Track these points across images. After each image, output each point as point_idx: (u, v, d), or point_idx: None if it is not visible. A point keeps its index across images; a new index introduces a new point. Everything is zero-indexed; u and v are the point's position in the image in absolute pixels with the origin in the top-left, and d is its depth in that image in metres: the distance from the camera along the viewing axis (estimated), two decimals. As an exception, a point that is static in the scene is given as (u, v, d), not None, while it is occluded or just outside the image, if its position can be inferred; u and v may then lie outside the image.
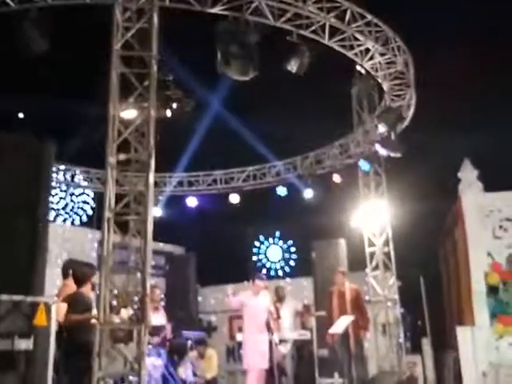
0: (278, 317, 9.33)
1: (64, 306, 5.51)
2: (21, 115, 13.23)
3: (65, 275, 6.20)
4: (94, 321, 5.41)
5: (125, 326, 5.44)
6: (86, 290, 5.78)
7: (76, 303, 5.53)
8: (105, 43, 6.05)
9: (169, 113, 7.70)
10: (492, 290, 8.09)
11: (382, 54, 9.55)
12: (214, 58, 7.53)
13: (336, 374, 8.59)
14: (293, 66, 8.58)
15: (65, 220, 13.68)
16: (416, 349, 10.77)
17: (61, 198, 13.54)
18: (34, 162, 5.44)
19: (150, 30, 6.04)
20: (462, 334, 7.86)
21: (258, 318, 7.53)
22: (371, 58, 9.64)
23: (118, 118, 5.84)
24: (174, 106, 7.55)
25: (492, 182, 8.85)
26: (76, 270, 5.93)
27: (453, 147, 11.14)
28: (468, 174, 8.87)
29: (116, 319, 5.56)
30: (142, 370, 5.04)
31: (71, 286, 5.88)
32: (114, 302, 5.64)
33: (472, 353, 7.67)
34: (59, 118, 11.84)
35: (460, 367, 7.76)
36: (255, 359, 7.38)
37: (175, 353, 9.18)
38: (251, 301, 7.65)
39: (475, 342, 7.70)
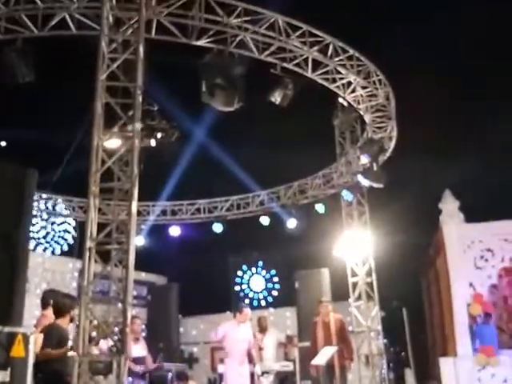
0: (260, 348, 9.24)
1: (41, 337, 5.39)
2: (3, 143, 13.16)
3: (44, 305, 6.06)
4: (71, 352, 5.29)
5: (104, 358, 5.35)
6: (63, 321, 5.63)
7: (50, 336, 5.37)
8: (90, 73, 6.10)
9: (153, 142, 7.74)
10: (474, 321, 8.12)
11: (363, 87, 9.73)
12: (198, 89, 7.62)
13: (319, 406, 8.48)
14: (277, 98, 8.71)
15: (45, 249, 13.50)
16: (399, 380, 10.72)
17: (41, 227, 13.38)
18: (15, 189, 5.40)
19: (135, 61, 6.10)
20: (445, 364, 7.87)
21: (239, 349, 7.46)
22: (353, 91, 9.83)
23: (102, 147, 5.85)
24: (159, 135, 7.59)
25: (473, 213, 8.97)
26: (57, 301, 5.78)
27: (434, 177, 11.32)
28: (449, 205, 8.99)
29: (95, 350, 5.46)
30: (122, 404, 4.94)
31: (49, 317, 5.74)
32: (94, 333, 5.55)
33: (455, 383, 7.66)
34: (42, 147, 11.80)
35: (443, 399, 7.74)
36: None
37: (155, 385, 9.00)
38: (233, 331, 7.59)
39: (458, 372, 7.71)
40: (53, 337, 5.37)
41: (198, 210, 13.78)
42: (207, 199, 13.78)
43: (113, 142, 6.16)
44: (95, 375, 5.19)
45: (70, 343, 5.58)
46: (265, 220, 12.95)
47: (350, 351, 8.29)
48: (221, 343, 7.70)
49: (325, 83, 9.47)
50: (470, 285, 8.30)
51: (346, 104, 10.38)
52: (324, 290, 10.70)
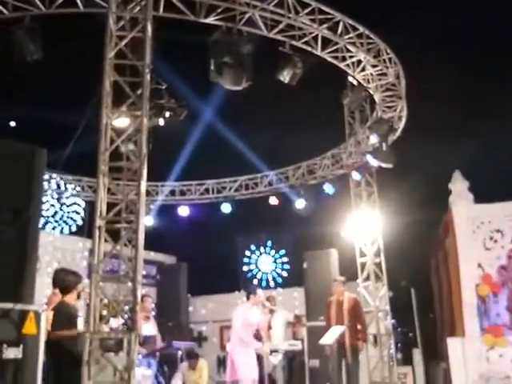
0: (269, 327, 9.31)
1: (52, 315, 5.47)
2: (12, 124, 13.19)
3: (54, 283, 6.15)
4: (80, 327, 5.36)
5: (115, 335, 5.41)
6: (71, 298, 5.71)
7: (60, 314, 5.45)
8: (98, 52, 6.06)
9: (161, 121, 7.71)
10: (482, 302, 8.12)
11: (373, 66, 9.62)
12: (207, 68, 7.57)
13: (327, 385, 8.56)
14: (285, 77, 8.63)
15: (54, 228, 13.60)
16: (407, 360, 10.77)
17: (51, 206, 13.46)
18: (25, 168, 5.40)
19: (143, 39, 6.05)
20: (453, 345, 7.87)
21: (250, 332, 7.51)
22: (363, 70, 9.72)
23: (111, 126, 5.83)
24: (167, 114, 7.56)
25: (482, 194, 8.91)
26: (63, 279, 5.86)
27: (444, 158, 11.25)
28: (458, 186, 8.92)
29: (105, 328, 5.52)
30: (132, 380, 5.00)
31: (59, 295, 5.83)
32: (104, 312, 5.60)
33: (462, 364, 7.68)
34: (51, 127, 11.82)
35: (450, 378, 7.77)
36: (248, 370, 7.35)
37: (165, 363, 9.12)
38: (247, 314, 7.62)
39: (466, 352, 7.71)
40: (62, 315, 5.44)
41: (207, 190, 13.81)
42: (216, 179, 13.79)
43: (121, 121, 6.15)
44: (106, 352, 5.25)
45: (79, 320, 5.65)
46: (273, 200, 12.95)
47: (363, 331, 8.31)
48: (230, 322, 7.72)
49: (334, 61, 9.38)
50: (479, 265, 8.28)
51: (355, 83, 10.27)
52: (332, 271, 10.72)
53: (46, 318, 5.43)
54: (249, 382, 7.34)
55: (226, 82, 7.59)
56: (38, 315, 5.04)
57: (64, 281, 5.77)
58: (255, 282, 15.37)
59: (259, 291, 7.87)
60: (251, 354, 7.44)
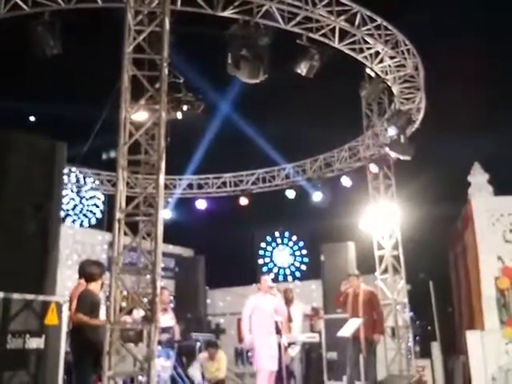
0: (290, 319, 9.33)
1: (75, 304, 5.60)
2: (32, 118, 13.36)
3: (80, 275, 6.29)
4: (102, 320, 5.46)
5: (135, 326, 5.48)
6: (95, 287, 5.85)
7: (84, 300, 5.60)
8: (116, 46, 6.11)
9: (179, 115, 7.75)
10: (502, 295, 8.05)
11: (391, 57, 9.55)
12: (224, 61, 7.58)
13: (344, 378, 8.57)
14: (302, 69, 8.62)
15: (74, 221, 13.77)
16: (425, 353, 10.72)
17: (71, 199, 13.63)
18: (45, 162, 5.49)
19: (161, 33, 6.08)
20: (472, 338, 7.83)
21: (265, 320, 7.52)
22: (381, 61, 9.65)
23: (129, 120, 5.89)
24: (185, 108, 7.61)
25: (502, 186, 8.82)
26: (89, 269, 6.02)
27: (463, 150, 11.12)
28: (478, 178, 8.85)
29: (128, 319, 5.60)
30: (152, 370, 5.07)
31: (84, 285, 5.96)
32: (124, 304, 5.69)
33: (482, 357, 7.63)
34: (71, 121, 11.95)
35: (469, 371, 7.73)
36: (265, 361, 7.39)
37: (184, 354, 9.21)
38: (258, 302, 7.64)
39: (485, 346, 7.66)
40: (86, 301, 5.57)
41: (224, 183, 13.86)
42: (233, 173, 13.83)
43: (140, 115, 6.20)
44: (126, 343, 5.33)
45: (102, 309, 5.76)
46: (291, 193, 12.95)
47: (379, 324, 8.31)
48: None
49: (352, 53, 9.33)
50: (499, 258, 8.20)
51: (373, 75, 10.20)
52: (350, 264, 10.71)
53: (70, 307, 5.55)
54: (266, 372, 7.37)
55: (243, 75, 7.60)
56: (59, 306, 5.14)
57: (90, 271, 5.93)
58: (272, 274, 15.40)
59: (264, 278, 7.89)
60: (270, 344, 7.42)
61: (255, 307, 7.63)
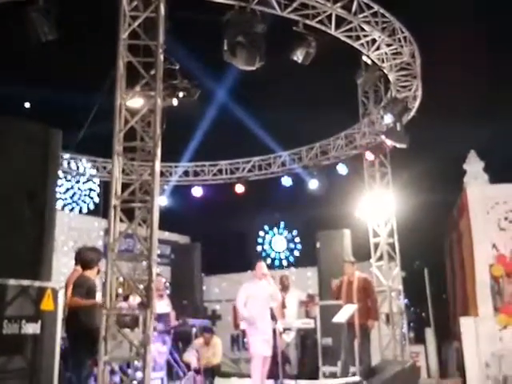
0: (284, 305, 9.39)
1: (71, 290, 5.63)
2: (27, 105, 13.29)
3: (77, 261, 6.31)
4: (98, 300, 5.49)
5: (131, 312, 5.52)
6: (91, 273, 5.88)
7: (80, 285, 5.64)
8: (112, 32, 6.07)
9: (175, 102, 7.72)
10: (496, 282, 8.11)
11: (388, 45, 9.51)
12: (220, 48, 7.54)
13: (339, 363, 8.66)
14: (299, 56, 8.57)
15: (72, 209, 13.78)
16: (419, 339, 10.84)
17: (67, 189, 13.62)
18: (40, 148, 5.48)
19: (156, 19, 6.05)
20: (466, 324, 7.91)
21: (259, 305, 7.55)
22: (377, 49, 9.61)
23: (125, 106, 5.87)
24: (181, 95, 7.57)
25: (497, 174, 8.86)
26: (86, 255, 6.04)
27: (459, 139, 11.15)
28: (474, 166, 8.89)
29: (125, 305, 5.63)
30: (148, 355, 5.11)
31: (80, 271, 5.99)
32: (120, 290, 5.72)
33: (475, 343, 7.71)
34: (66, 108, 11.90)
35: (463, 357, 7.81)
36: (258, 347, 7.44)
37: (180, 340, 9.26)
38: (252, 289, 7.67)
39: (478, 332, 7.74)
40: (82, 286, 5.61)
41: (220, 171, 13.85)
42: (229, 160, 13.82)
43: (135, 102, 6.19)
44: (122, 328, 5.36)
45: (98, 295, 5.79)
46: (287, 181, 12.97)
47: (373, 311, 8.38)
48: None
49: (348, 41, 9.27)
50: (493, 246, 8.25)
51: (369, 62, 10.17)
52: (345, 251, 10.76)
53: (66, 293, 5.58)
54: (259, 358, 7.40)
55: (239, 62, 7.56)
56: (55, 292, 5.16)
57: (86, 257, 5.97)
58: (268, 261, 15.47)
59: (258, 264, 7.91)
60: (264, 330, 7.45)
61: (249, 294, 7.66)
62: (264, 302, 7.57)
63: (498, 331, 7.77)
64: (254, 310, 7.56)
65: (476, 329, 7.79)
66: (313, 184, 12.38)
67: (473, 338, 7.77)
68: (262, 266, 7.89)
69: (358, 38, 9.32)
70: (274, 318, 7.84)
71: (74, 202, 13.86)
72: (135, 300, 6.42)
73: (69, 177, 13.47)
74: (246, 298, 7.61)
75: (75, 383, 5.69)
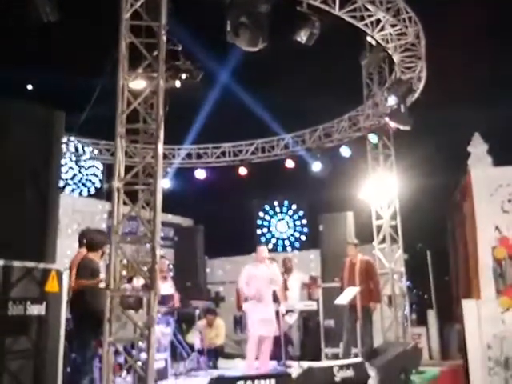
0: (286, 288, 9.45)
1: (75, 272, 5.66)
2: (29, 87, 13.23)
3: (80, 244, 6.33)
4: (102, 285, 5.53)
5: (135, 293, 5.55)
6: (96, 256, 5.91)
7: (83, 267, 5.68)
8: (113, 13, 6.01)
9: (178, 84, 7.67)
10: (499, 264, 8.12)
11: (392, 25, 9.41)
12: (223, 29, 7.46)
13: (341, 344, 8.73)
14: (302, 37, 8.48)
15: (73, 190, 13.79)
16: (421, 321, 10.89)
17: (70, 168, 13.61)
18: (43, 130, 5.46)
19: (158, 0, 5.99)
20: (468, 306, 7.93)
21: (260, 288, 7.59)
22: (382, 29, 9.51)
23: (127, 88, 5.84)
24: (184, 76, 7.51)
25: (502, 156, 8.81)
26: (91, 237, 6.07)
27: (463, 121, 11.06)
28: (478, 148, 8.84)
29: (128, 286, 5.67)
30: (152, 336, 5.15)
31: (84, 253, 6.01)
32: (124, 272, 5.75)
33: (477, 325, 7.74)
34: (68, 90, 11.84)
35: (465, 339, 7.85)
36: (255, 327, 7.48)
37: (183, 321, 9.35)
38: (253, 271, 7.72)
39: (481, 314, 7.77)
40: (86, 268, 5.64)
41: (223, 153, 13.83)
42: (232, 142, 13.79)
43: (138, 83, 6.15)
44: (126, 310, 5.40)
45: (101, 276, 5.83)
46: (290, 163, 12.94)
47: (375, 293, 8.42)
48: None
49: (352, 21, 9.18)
50: (496, 228, 8.24)
51: (374, 43, 10.07)
52: (348, 233, 10.78)
53: (70, 275, 5.61)
54: (254, 338, 7.45)
55: (243, 43, 7.48)
56: (59, 274, 5.19)
57: (92, 239, 5.99)
58: (270, 244, 15.51)
59: (260, 248, 7.96)
60: (263, 311, 7.49)
61: (251, 275, 7.70)
62: (265, 284, 7.62)
63: (500, 313, 7.79)
64: (255, 290, 7.61)
65: (478, 311, 7.81)
66: (316, 166, 12.35)
67: (475, 320, 7.79)
68: (263, 249, 7.94)
69: (362, 18, 9.22)
70: (276, 300, 7.89)
71: (77, 184, 13.86)
72: (139, 282, 6.47)
73: (72, 159, 13.46)
74: (248, 278, 7.67)
75: (80, 364, 5.76)
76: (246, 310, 7.78)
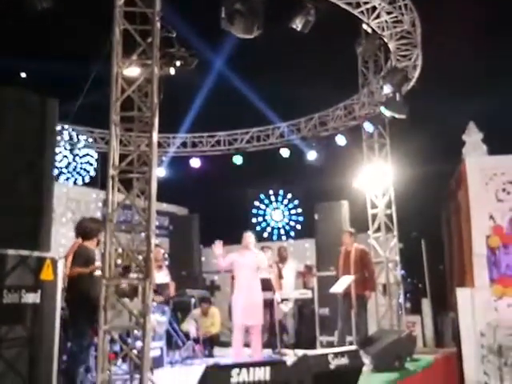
0: (281, 276, 9.46)
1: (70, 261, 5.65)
2: (23, 75, 13.11)
3: (77, 234, 6.31)
4: (98, 273, 5.52)
5: (129, 281, 5.55)
6: (91, 244, 5.90)
7: (79, 255, 5.67)
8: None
9: (172, 71, 7.61)
10: (493, 253, 8.16)
11: (388, 13, 9.37)
12: (218, 16, 7.40)
13: (336, 332, 8.77)
14: (298, 25, 8.44)
15: (67, 179, 13.73)
16: (416, 310, 10.94)
17: (64, 157, 13.54)
18: (37, 118, 5.41)
19: (152, -15, 5.92)
20: (462, 295, 7.97)
21: (245, 276, 7.57)
22: (377, 17, 9.47)
23: (121, 75, 5.79)
24: (178, 64, 7.45)
25: (496, 145, 8.82)
26: (86, 225, 6.05)
27: (458, 109, 11.06)
28: (472, 137, 8.83)
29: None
30: (147, 325, 5.15)
31: (80, 243, 6.00)
32: (119, 261, 5.74)
33: (471, 313, 7.79)
34: (62, 78, 11.74)
35: (458, 327, 7.91)
36: (238, 315, 7.46)
37: (179, 310, 9.36)
38: (239, 258, 7.71)
39: (474, 302, 7.81)
40: (81, 255, 5.64)
41: (218, 142, 13.80)
42: (227, 131, 13.74)
43: (132, 71, 6.10)
44: (121, 298, 5.40)
45: (97, 264, 5.82)
46: (285, 152, 12.92)
47: (370, 281, 8.46)
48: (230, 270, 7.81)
49: (348, 8, 9.13)
50: (491, 217, 8.27)
51: (369, 31, 10.03)
52: (343, 222, 10.80)
53: (66, 264, 5.60)
54: (238, 326, 7.45)
55: (237, 31, 7.43)
56: (54, 262, 5.17)
57: (86, 228, 5.98)
58: (265, 233, 15.52)
59: (246, 233, 7.94)
60: (247, 299, 7.43)
61: (235, 261, 7.68)
62: (251, 272, 7.58)
63: (494, 302, 7.85)
64: (242, 278, 7.58)
65: (472, 299, 7.86)
66: (311, 155, 12.34)
67: (468, 308, 7.84)
68: (249, 235, 7.92)
69: (358, 5, 9.18)
70: (271, 288, 7.89)
71: (71, 172, 13.79)
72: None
73: (67, 147, 13.38)
74: (232, 261, 7.64)
75: (76, 352, 5.77)
76: (232, 299, 7.77)
